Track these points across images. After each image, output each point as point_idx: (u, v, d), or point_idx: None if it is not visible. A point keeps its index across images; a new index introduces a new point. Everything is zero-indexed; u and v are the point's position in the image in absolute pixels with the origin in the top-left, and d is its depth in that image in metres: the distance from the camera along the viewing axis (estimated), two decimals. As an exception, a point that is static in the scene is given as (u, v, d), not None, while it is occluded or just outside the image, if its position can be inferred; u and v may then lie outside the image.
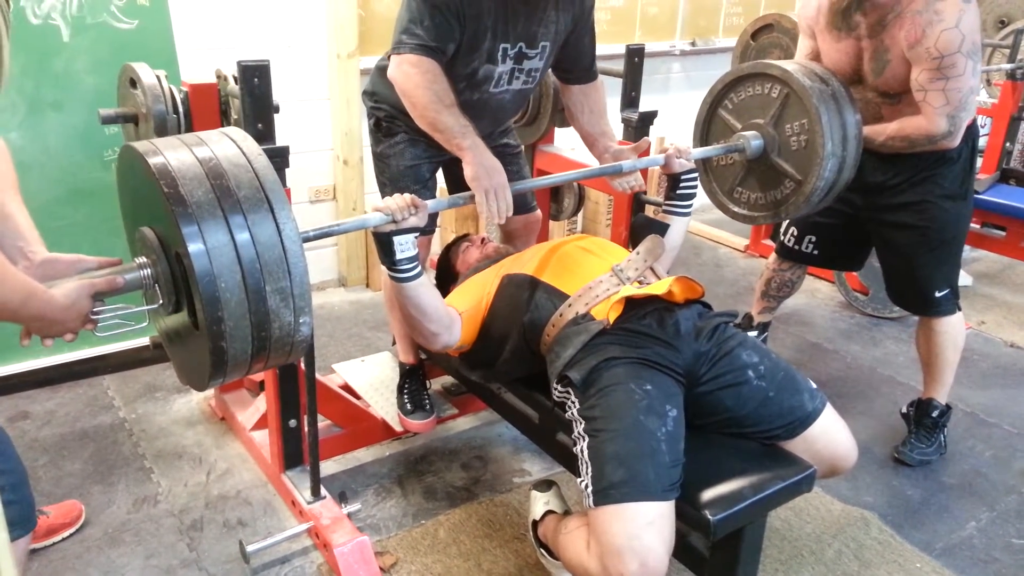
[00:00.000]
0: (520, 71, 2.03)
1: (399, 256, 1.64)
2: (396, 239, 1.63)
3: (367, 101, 2.20)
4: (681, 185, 2.04)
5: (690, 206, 2.07)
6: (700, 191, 2.12)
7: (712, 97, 2.27)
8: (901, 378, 3.02)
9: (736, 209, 2.29)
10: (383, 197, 2.24)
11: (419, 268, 1.70)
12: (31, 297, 1.17)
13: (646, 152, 2.06)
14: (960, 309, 2.47)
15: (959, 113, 2.14)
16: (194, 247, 1.20)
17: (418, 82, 1.84)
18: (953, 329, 2.46)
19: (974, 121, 2.33)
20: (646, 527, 1.46)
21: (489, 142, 2.17)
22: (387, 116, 2.13)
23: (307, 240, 1.40)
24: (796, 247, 2.72)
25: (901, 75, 2.18)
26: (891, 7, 2.14)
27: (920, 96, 2.15)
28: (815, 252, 2.69)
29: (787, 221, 2.72)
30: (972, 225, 3.80)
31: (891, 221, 2.40)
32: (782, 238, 2.78)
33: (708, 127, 2.30)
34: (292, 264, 1.27)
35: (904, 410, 2.63)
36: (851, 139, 2.07)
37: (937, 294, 2.41)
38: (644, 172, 2.14)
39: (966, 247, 4.06)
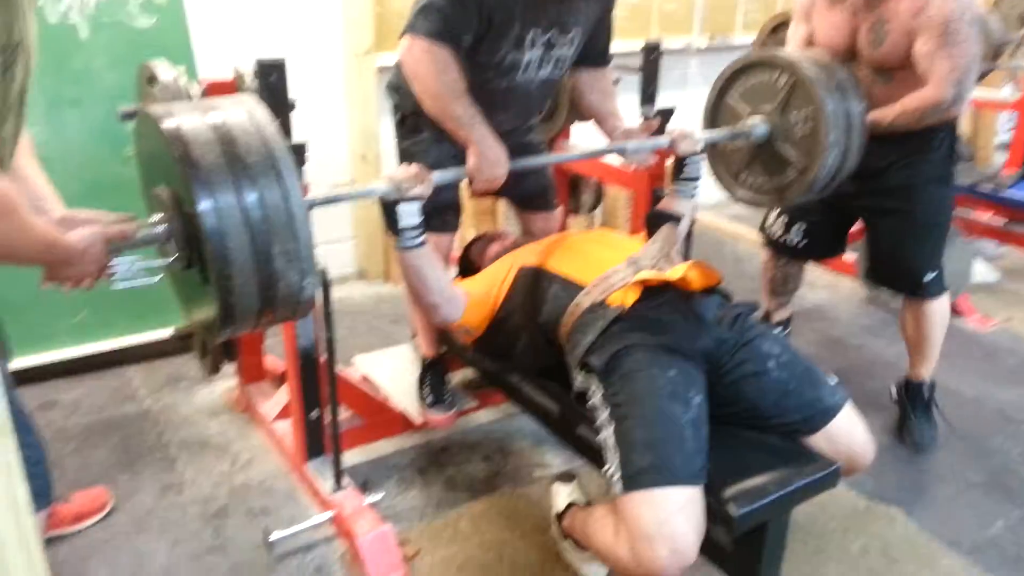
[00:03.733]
0: (549, 59, 2.02)
1: (403, 224, 1.71)
2: (401, 208, 1.69)
3: (392, 95, 2.20)
4: (686, 167, 2.09)
5: (696, 187, 2.11)
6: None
7: (721, 83, 2.28)
8: (926, 374, 2.98)
9: (741, 193, 2.32)
10: (421, 215, 2.26)
11: (423, 238, 1.75)
12: (52, 245, 1.25)
13: (656, 131, 2.10)
14: (947, 289, 2.51)
15: (965, 80, 2.16)
16: (205, 208, 1.26)
17: (428, 69, 1.86)
18: (941, 309, 2.51)
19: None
20: (676, 512, 1.45)
21: (515, 138, 2.17)
22: (412, 113, 2.12)
23: (314, 206, 1.47)
24: (784, 238, 2.71)
25: (901, 47, 2.19)
26: None
27: (926, 65, 2.16)
28: (804, 242, 2.69)
29: (777, 210, 2.73)
30: (997, 221, 3.78)
31: (880, 206, 2.45)
32: (769, 230, 2.77)
33: (716, 112, 2.31)
34: (298, 228, 1.33)
35: (894, 395, 2.67)
36: (855, 128, 2.08)
37: (926, 277, 2.45)
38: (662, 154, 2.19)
39: (992, 242, 4.04)
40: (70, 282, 1.33)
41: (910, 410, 2.60)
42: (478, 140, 1.87)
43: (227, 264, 1.29)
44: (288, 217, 1.32)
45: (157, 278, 1.45)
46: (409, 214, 1.70)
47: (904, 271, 2.48)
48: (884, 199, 2.43)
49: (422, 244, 1.75)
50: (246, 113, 1.37)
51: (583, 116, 2.57)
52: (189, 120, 1.33)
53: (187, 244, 1.36)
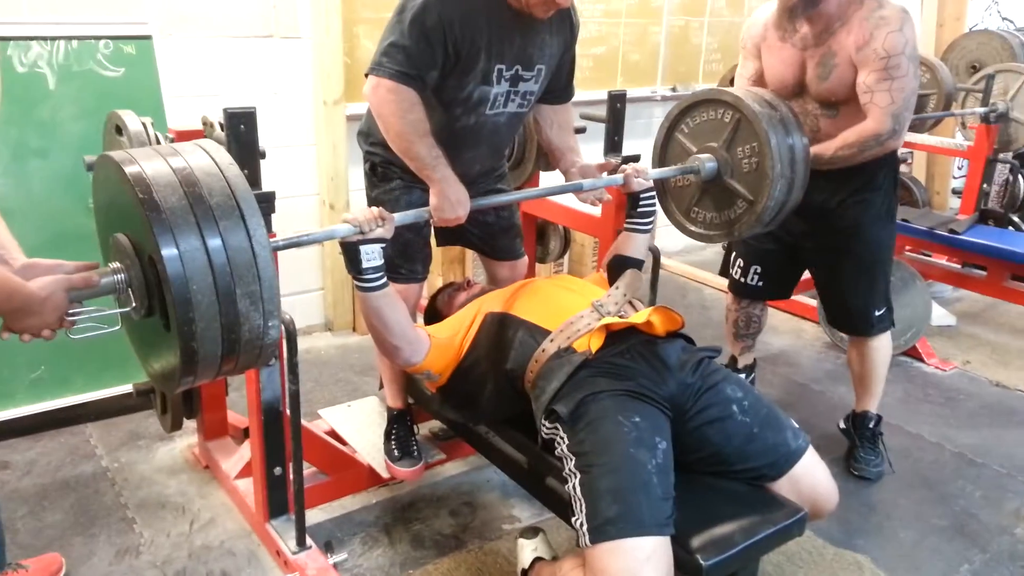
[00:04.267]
0: (516, 93, 2.05)
1: (365, 265, 1.71)
2: (363, 248, 1.69)
3: (362, 143, 2.21)
4: (641, 203, 2.15)
5: (650, 223, 2.17)
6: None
7: (669, 122, 2.36)
8: (889, 418, 3.00)
9: (692, 228, 2.38)
10: (383, 258, 2.26)
11: (384, 279, 1.76)
12: (13, 293, 1.23)
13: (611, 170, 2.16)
14: (893, 326, 2.64)
15: (903, 112, 2.26)
16: (167, 251, 1.25)
17: (393, 110, 1.88)
18: (886, 345, 2.63)
19: (895, 152, 2.47)
20: (644, 562, 1.44)
21: (484, 185, 2.20)
22: (383, 161, 2.14)
23: (277, 248, 1.48)
24: (742, 279, 2.81)
25: (847, 80, 2.29)
26: (837, 16, 2.27)
27: (867, 98, 2.26)
28: (760, 284, 2.79)
29: (734, 253, 2.85)
30: (953, 265, 3.89)
31: (831, 246, 2.55)
32: (731, 271, 2.87)
33: (666, 150, 2.39)
34: (262, 268, 1.32)
35: (842, 426, 2.80)
36: (799, 161, 2.17)
37: (876, 313, 2.56)
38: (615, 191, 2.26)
39: (948, 287, 4.14)
40: (30, 332, 1.30)
41: (857, 442, 2.71)
42: (440, 180, 1.90)
43: (189, 308, 1.27)
44: (251, 258, 1.31)
45: (117, 327, 1.43)
46: (371, 255, 1.71)
47: (856, 311, 2.58)
48: (835, 239, 2.52)
49: (384, 285, 1.76)
50: (208, 156, 1.37)
51: (547, 157, 2.61)
52: (150, 164, 1.32)
53: (147, 291, 1.34)
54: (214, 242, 1.28)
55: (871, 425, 2.70)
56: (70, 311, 1.32)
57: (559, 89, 2.21)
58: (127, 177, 1.29)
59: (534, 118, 2.29)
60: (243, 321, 1.33)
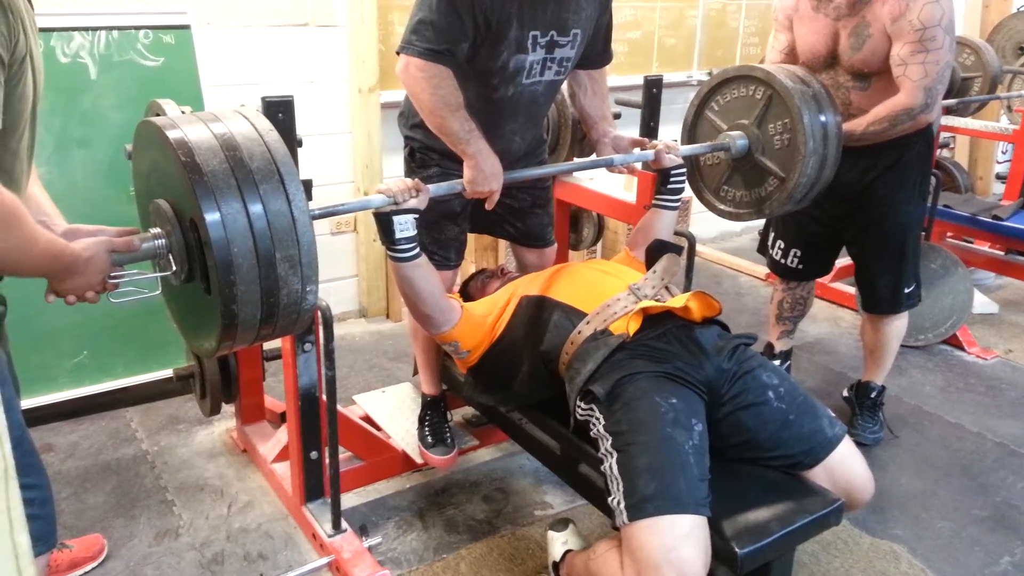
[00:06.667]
0: (552, 60, 2.02)
1: (398, 235, 1.73)
2: (396, 219, 1.71)
3: (402, 126, 2.21)
4: (671, 180, 2.14)
5: (678, 200, 2.17)
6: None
7: (699, 99, 2.34)
8: (928, 407, 2.96)
9: (722, 207, 2.36)
10: (416, 228, 2.27)
11: (418, 249, 1.77)
12: (59, 255, 1.26)
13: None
14: (920, 300, 2.64)
15: (936, 86, 2.23)
16: (210, 215, 1.26)
17: (424, 87, 1.88)
18: (903, 321, 2.64)
19: (929, 126, 2.43)
20: (683, 539, 1.43)
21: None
22: (421, 147, 2.14)
23: (314, 217, 1.47)
24: (782, 261, 2.79)
25: (880, 51, 2.26)
26: None
27: (900, 71, 2.23)
28: (800, 267, 2.77)
29: (773, 234, 2.82)
30: (996, 252, 3.80)
31: (862, 227, 2.54)
32: (770, 252, 2.84)
33: (695, 128, 2.37)
34: (301, 234, 1.34)
35: (846, 394, 2.84)
36: (831, 138, 2.14)
37: (906, 290, 2.56)
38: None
39: (991, 274, 4.05)
40: (75, 293, 1.33)
41: (857, 410, 2.74)
42: (474, 153, 1.90)
43: (231, 271, 1.28)
44: (291, 223, 1.33)
45: (157, 291, 1.46)
46: (404, 226, 1.73)
47: (887, 288, 2.56)
48: (866, 217, 2.51)
49: (416, 255, 1.78)
50: (247, 122, 1.39)
51: (582, 143, 2.59)
52: (192, 128, 1.34)
53: (188, 255, 1.36)
54: (255, 206, 1.29)
55: (872, 395, 2.72)
56: (112, 274, 1.35)
57: (596, 53, 2.17)
58: (169, 141, 1.30)
59: (569, 86, 2.26)
60: (282, 285, 1.34)
